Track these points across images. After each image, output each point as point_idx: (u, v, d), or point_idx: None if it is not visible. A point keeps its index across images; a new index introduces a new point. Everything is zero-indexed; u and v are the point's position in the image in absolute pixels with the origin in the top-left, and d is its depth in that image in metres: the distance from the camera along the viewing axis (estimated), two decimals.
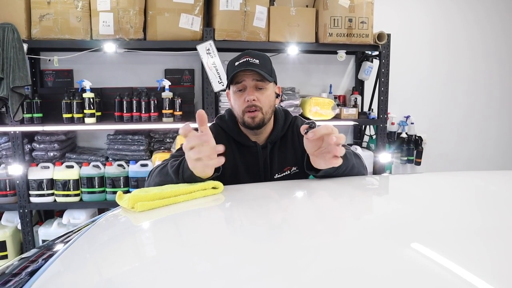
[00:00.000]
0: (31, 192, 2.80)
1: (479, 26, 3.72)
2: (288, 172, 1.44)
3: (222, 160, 1.01)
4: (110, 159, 2.97)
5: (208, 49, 2.74)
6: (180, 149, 1.42)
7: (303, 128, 1.08)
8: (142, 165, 2.85)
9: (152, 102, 2.83)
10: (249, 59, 1.34)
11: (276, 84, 1.46)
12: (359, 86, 3.45)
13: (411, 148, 3.61)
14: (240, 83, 1.35)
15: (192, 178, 1.04)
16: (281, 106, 2.43)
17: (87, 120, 2.78)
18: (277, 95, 1.46)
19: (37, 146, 2.88)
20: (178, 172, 1.08)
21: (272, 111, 1.42)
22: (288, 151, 1.46)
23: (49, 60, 2.85)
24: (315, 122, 1.11)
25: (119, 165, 2.90)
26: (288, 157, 1.45)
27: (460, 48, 3.72)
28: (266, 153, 1.44)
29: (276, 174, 1.44)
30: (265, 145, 1.44)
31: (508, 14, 3.75)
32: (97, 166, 2.85)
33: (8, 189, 2.80)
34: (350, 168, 1.18)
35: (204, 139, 0.98)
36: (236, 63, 1.35)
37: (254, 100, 1.34)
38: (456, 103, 3.79)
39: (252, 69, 1.32)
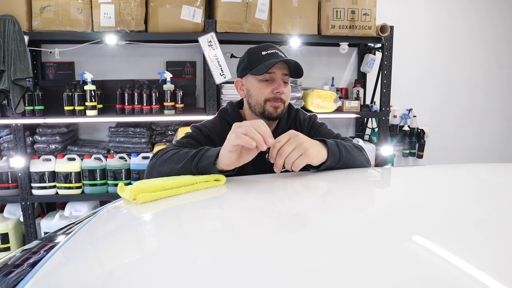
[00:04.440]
0: (33, 185, 2.80)
1: (479, 20, 3.68)
2: None
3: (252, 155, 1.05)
4: (112, 151, 2.97)
5: (210, 41, 2.72)
6: (186, 136, 1.42)
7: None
8: (144, 158, 2.85)
9: (153, 94, 2.82)
10: (277, 51, 1.35)
11: None
12: (361, 79, 3.43)
13: (413, 141, 3.60)
14: (270, 73, 1.35)
15: (206, 169, 1.04)
16: None
17: (88, 112, 2.78)
18: None
19: (39, 138, 2.88)
20: (194, 159, 1.07)
21: None
22: None
23: (50, 52, 2.84)
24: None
25: (121, 158, 2.90)
26: None
27: (461, 41, 3.68)
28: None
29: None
30: None
31: (508, 7, 3.72)
32: (99, 159, 2.85)
33: (10, 182, 2.80)
34: (351, 160, 1.19)
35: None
36: (264, 53, 1.34)
37: (284, 93, 1.36)
38: (458, 96, 3.76)
39: (295, 60, 1.33)
